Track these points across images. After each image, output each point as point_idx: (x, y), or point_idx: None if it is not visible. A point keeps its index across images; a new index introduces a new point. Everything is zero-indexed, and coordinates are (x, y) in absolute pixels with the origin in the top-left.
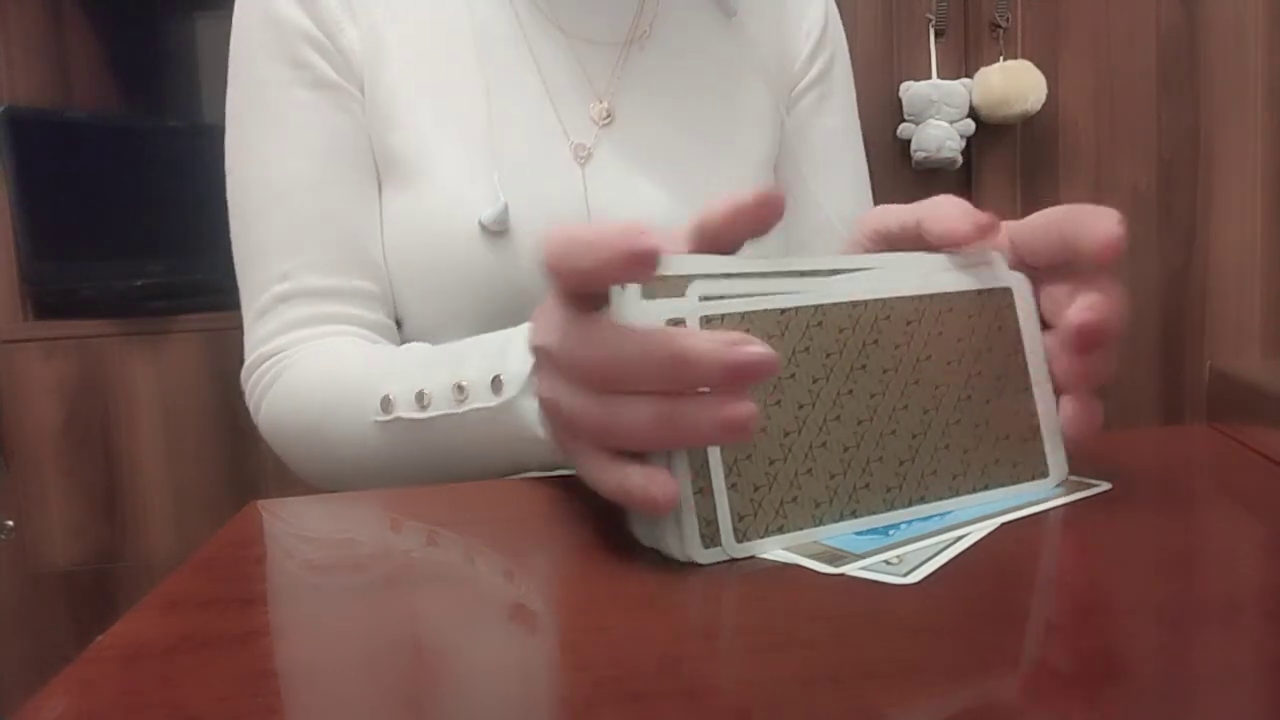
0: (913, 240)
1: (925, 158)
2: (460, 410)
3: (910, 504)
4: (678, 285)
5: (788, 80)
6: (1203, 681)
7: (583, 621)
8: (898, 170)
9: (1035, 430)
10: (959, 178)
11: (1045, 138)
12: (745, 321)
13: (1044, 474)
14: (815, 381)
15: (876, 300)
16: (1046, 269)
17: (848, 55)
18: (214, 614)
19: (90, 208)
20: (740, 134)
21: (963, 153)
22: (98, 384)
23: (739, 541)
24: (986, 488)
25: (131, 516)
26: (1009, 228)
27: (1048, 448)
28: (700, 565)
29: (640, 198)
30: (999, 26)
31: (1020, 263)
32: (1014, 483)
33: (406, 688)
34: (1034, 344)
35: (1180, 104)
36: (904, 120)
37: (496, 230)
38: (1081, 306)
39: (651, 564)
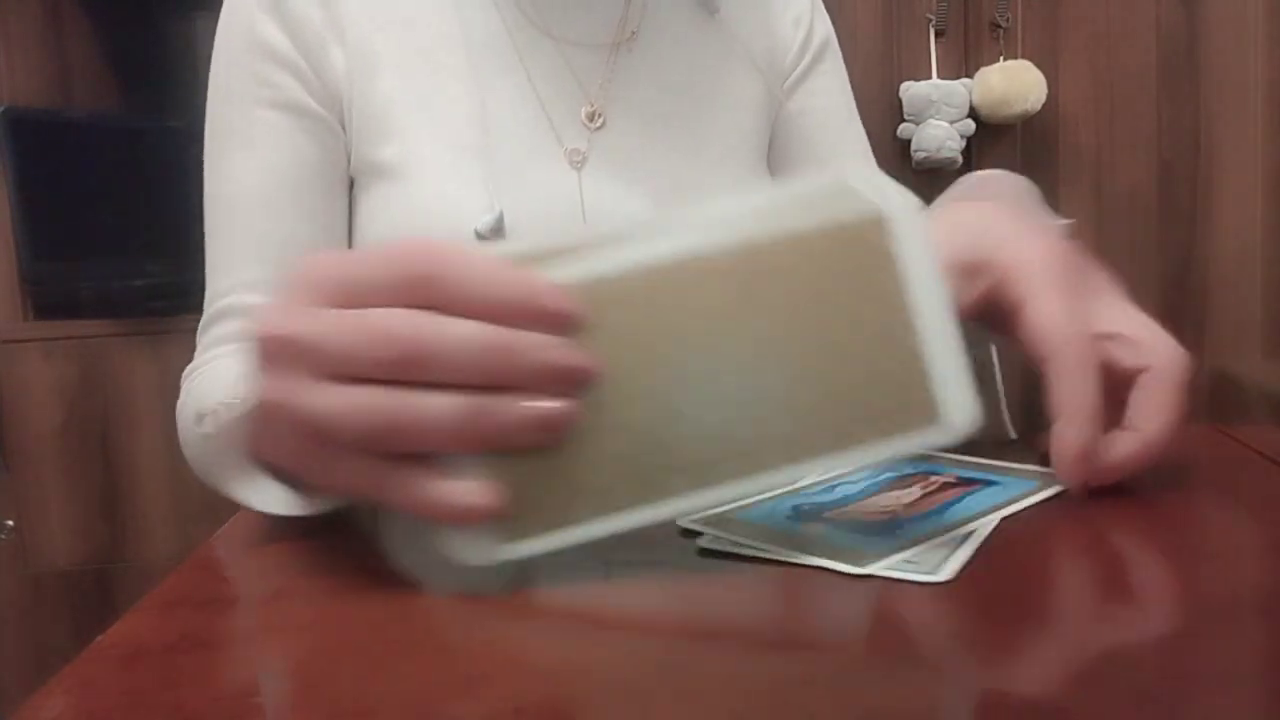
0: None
1: (925, 158)
2: (213, 430)
3: (735, 478)
4: None
5: (779, 72)
6: (1203, 681)
7: (583, 621)
8: (898, 170)
9: (921, 377)
10: (959, 178)
11: (1045, 138)
12: None
13: (933, 419)
14: (604, 362)
15: (675, 263)
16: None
17: (835, 39)
18: (213, 614)
19: (90, 208)
20: (731, 131)
21: (963, 153)
22: (98, 384)
23: (514, 541)
24: (845, 448)
25: (131, 516)
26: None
27: (940, 396)
28: (678, 568)
29: (634, 199)
30: (999, 26)
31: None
32: (886, 437)
33: (405, 687)
34: (920, 276)
35: (1180, 104)
36: (904, 120)
37: (492, 238)
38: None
39: (651, 564)
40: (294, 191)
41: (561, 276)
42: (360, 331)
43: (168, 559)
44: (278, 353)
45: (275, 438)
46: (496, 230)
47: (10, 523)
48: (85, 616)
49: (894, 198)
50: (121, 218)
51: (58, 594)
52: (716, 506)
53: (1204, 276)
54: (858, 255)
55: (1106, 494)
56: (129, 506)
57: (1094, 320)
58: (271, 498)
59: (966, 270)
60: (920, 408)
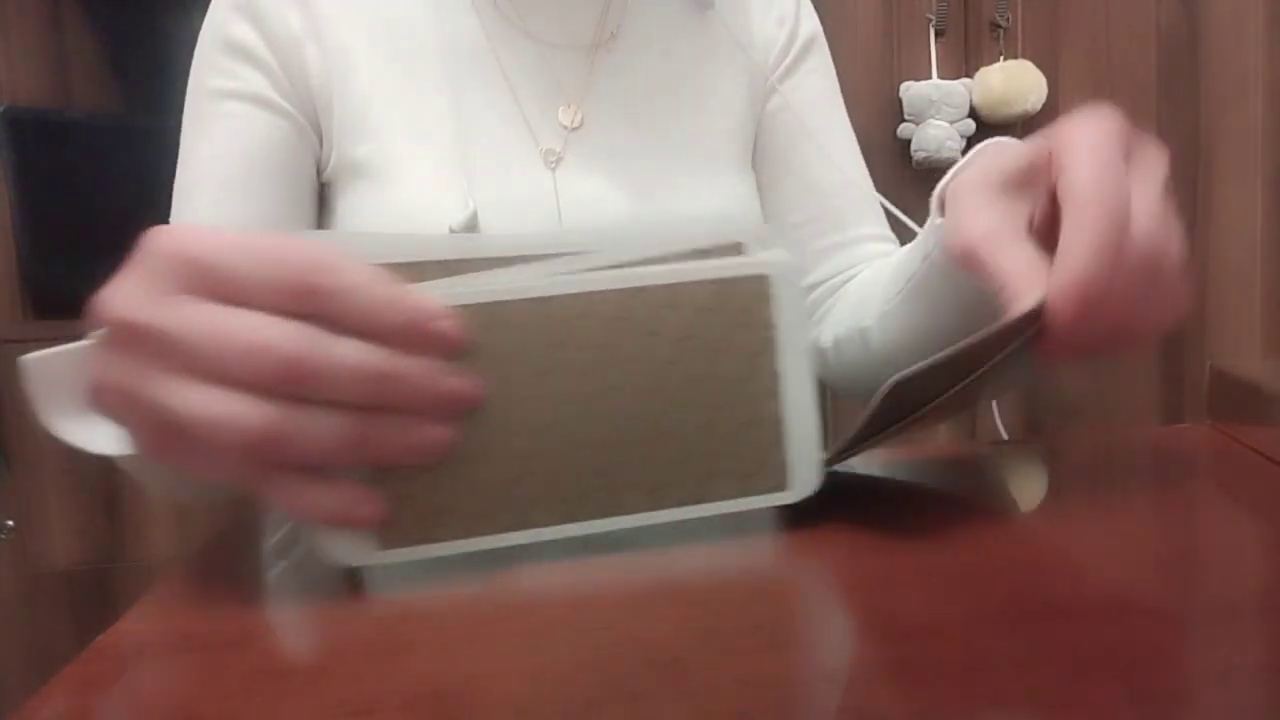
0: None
1: (925, 158)
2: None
3: (596, 516)
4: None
5: (762, 70)
6: (1203, 681)
7: (583, 621)
8: (898, 170)
9: (777, 439)
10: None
11: None
12: None
13: (780, 486)
14: (485, 387)
15: (571, 295)
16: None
17: (823, 35)
18: (214, 614)
19: (90, 208)
20: (712, 132)
21: (963, 153)
22: None
23: (380, 550)
24: (700, 500)
25: (131, 516)
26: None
27: (792, 458)
28: (676, 565)
29: (611, 200)
30: (999, 26)
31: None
32: (740, 495)
33: (405, 688)
34: (792, 340)
35: (1180, 104)
36: (904, 120)
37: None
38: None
39: (651, 564)
40: (250, 177)
41: (452, 296)
42: (237, 339)
43: (168, 559)
44: (130, 341)
45: (114, 417)
46: (471, 228)
47: (10, 523)
48: (85, 616)
49: (779, 257)
50: (121, 218)
51: (58, 594)
52: (575, 537)
53: (1204, 276)
54: (737, 312)
55: (1105, 493)
56: (129, 506)
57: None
58: (103, 437)
59: (1026, 176)
60: (773, 472)
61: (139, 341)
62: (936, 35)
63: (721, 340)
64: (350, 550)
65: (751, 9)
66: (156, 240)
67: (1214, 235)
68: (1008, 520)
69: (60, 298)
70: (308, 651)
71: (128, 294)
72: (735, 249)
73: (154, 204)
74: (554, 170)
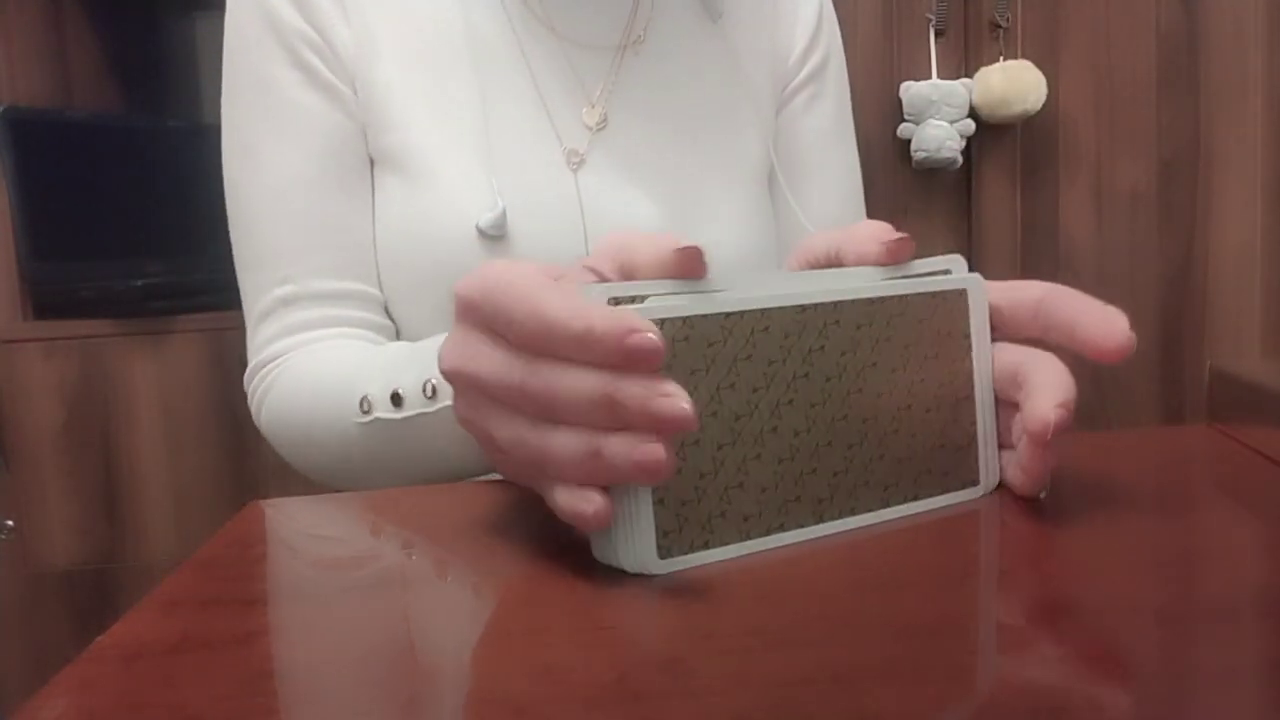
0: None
1: (925, 158)
2: (432, 409)
3: (840, 516)
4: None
5: (780, 78)
6: (1203, 681)
7: (583, 621)
8: (898, 170)
9: (972, 438)
10: (959, 178)
11: (1045, 138)
12: (687, 326)
13: (974, 482)
14: (755, 391)
15: (826, 304)
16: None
17: (843, 58)
18: (214, 614)
19: (90, 208)
20: (735, 139)
21: (963, 153)
22: (98, 384)
23: (663, 558)
24: (917, 497)
25: (131, 516)
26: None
27: (982, 456)
28: (670, 571)
29: (633, 203)
30: (999, 26)
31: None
32: (944, 492)
33: (406, 688)
34: (983, 348)
35: (1180, 104)
36: (904, 120)
37: (494, 235)
38: (1052, 404)
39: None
40: (338, 172)
41: (718, 303)
42: (502, 378)
43: (168, 559)
44: (457, 386)
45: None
46: (499, 227)
47: (10, 523)
48: (85, 616)
49: (972, 276)
50: (121, 218)
51: (58, 594)
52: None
53: (1204, 276)
54: (944, 322)
55: (1106, 493)
56: (129, 506)
57: None
58: None
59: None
60: (968, 470)
61: (458, 383)
62: (936, 35)
63: (932, 348)
64: (635, 558)
65: (779, 12)
66: (462, 284)
67: (1214, 235)
68: (1007, 520)
69: (60, 298)
70: (308, 652)
71: (454, 351)
72: (944, 267)
73: (153, 204)
74: (576, 172)
